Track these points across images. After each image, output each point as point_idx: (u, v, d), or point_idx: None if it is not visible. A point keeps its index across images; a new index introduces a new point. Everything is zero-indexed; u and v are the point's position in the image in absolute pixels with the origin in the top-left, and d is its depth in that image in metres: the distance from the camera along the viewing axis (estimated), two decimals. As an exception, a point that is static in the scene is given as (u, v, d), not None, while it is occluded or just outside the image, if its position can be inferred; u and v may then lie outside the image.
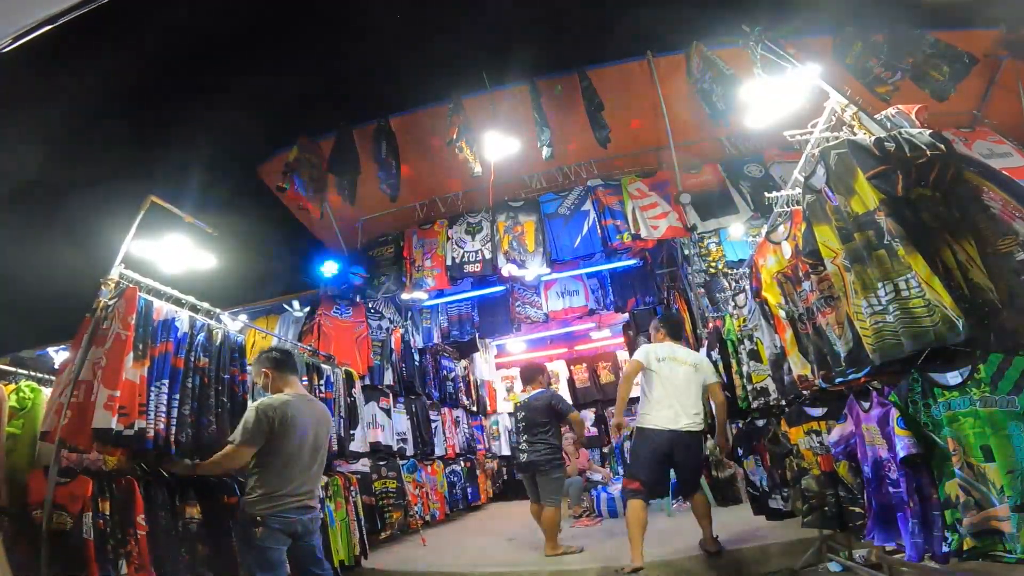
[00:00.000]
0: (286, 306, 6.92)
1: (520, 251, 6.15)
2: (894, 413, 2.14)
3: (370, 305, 6.90)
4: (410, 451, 6.76)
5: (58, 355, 6.76)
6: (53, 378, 3.47)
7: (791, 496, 3.51)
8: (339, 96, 6.64)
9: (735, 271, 5.35)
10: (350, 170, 5.84)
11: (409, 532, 5.89)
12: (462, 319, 8.50)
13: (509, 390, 10.51)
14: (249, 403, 3.25)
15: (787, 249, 3.21)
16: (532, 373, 4.98)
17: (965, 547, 1.91)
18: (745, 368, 4.23)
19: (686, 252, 6.62)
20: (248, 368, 3.70)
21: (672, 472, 3.96)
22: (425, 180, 6.67)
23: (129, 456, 3.08)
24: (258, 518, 2.63)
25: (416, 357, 7.79)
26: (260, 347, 5.37)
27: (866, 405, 2.41)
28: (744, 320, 4.29)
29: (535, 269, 6.18)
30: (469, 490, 8.25)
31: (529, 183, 6.81)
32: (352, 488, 4.86)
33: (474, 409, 9.44)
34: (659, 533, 4.70)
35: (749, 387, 4.18)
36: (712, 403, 4.03)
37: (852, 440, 2.55)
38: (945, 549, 1.98)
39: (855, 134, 2.61)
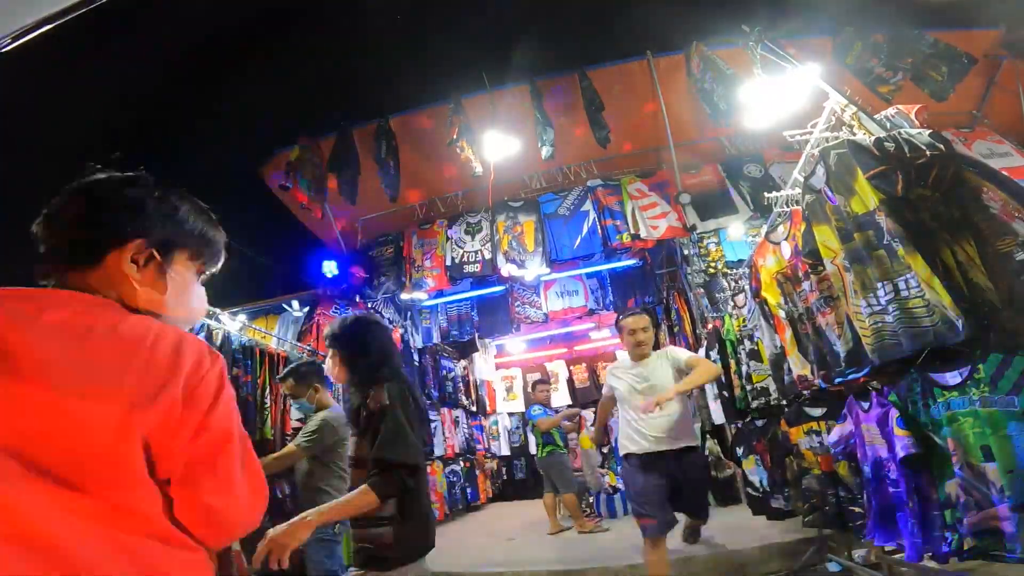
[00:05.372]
0: (285, 306, 6.91)
1: (520, 251, 6.14)
2: (894, 413, 2.14)
3: (370, 305, 6.90)
4: (410, 451, 6.75)
5: (58, 355, 6.75)
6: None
7: (791, 496, 3.52)
8: (339, 96, 6.65)
9: (735, 271, 5.34)
10: (350, 170, 5.84)
11: (409, 532, 5.87)
12: (461, 319, 8.48)
13: (508, 390, 10.50)
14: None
15: (787, 249, 3.20)
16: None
17: (965, 547, 1.90)
18: (745, 368, 4.23)
19: (686, 252, 6.61)
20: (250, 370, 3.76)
21: None
22: (425, 180, 6.66)
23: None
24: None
25: (415, 357, 7.78)
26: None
27: (866, 405, 2.40)
28: (744, 320, 4.29)
29: (535, 269, 6.16)
30: (468, 490, 8.24)
31: (529, 183, 6.80)
32: (351, 488, 4.85)
33: (473, 409, 9.42)
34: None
35: (749, 387, 4.18)
36: None
37: (852, 440, 2.55)
38: (945, 549, 1.98)
39: (855, 134, 2.61)
